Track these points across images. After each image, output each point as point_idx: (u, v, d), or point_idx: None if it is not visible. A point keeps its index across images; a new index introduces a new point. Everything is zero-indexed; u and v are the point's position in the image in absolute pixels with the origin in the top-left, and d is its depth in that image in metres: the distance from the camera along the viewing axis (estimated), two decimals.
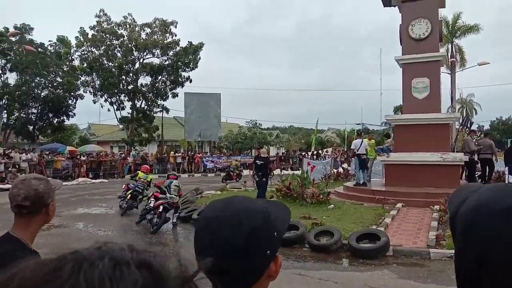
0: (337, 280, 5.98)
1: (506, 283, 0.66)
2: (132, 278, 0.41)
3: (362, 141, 13.61)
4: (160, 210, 9.55)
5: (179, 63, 33.75)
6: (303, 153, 33.83)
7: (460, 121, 16.92)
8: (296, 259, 7.13)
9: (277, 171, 24.12)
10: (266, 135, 39.23)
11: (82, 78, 33.57)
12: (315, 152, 32.09)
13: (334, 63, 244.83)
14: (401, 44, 13.27)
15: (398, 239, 7.75)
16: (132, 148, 33.76)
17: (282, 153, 39.24)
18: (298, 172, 16.86)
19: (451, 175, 11.87)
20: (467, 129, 15.84)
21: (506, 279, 0.66)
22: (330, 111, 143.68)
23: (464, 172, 14.10)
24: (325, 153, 35.21)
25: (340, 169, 22.10)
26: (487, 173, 13.72)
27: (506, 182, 12.19)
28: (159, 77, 34.61)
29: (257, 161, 12.67)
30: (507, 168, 14.65)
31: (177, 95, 34.91)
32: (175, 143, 40.94)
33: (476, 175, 13.81)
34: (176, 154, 30.57)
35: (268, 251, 0.84)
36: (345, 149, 35.09)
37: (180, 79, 34.44)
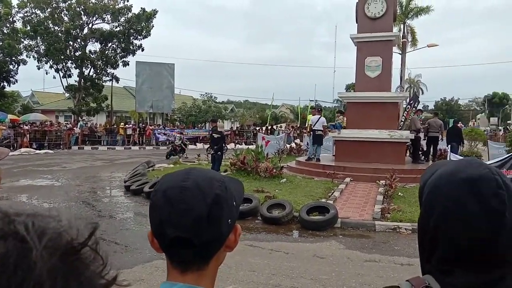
0: (288, 250, 6.15)
1: (457, 240, 0.78)
2: None
3: (320, 117, 13.85)
4: None
5: (131, 30, 32.27)
6: (258, 128, 34.01)
7: (408, 100, 17.65)
8: (248, 231, 7.24)
9: (231, 145, 24.12)
10: (221, 109, 38.84)
11: (25, 42, 31.20)
12: (269, 127, 32.36)
13: (290, 39, 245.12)
14: (356, 22, 13.46)
15: (346, 212, 8.08)
16: (80, 118, 32.27)
17: (237, 127, 39.23)
18: (253, 147, 16.97)
19: (397, 152, 12.48)
20: (414, 108, 16.58)
21: (457, 235, 0.78)
22: (285, 87, 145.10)
23: (409, 149, 14.83)
24: (279, 128, 35.64)
25: (293, 144, 22.49)
26: (431, 151, 14.57)
27: (448, 159, 13.00)
28: (109, 44, 32.97)
29: (213, 135, 12.58)
30: (449, 146, 15.60)
31: (128, 64, 33.55)
32: (125, 114, 39.58)
33: (420, 153, 14.56)
34: (126, 125, 29.59)
35: (229, 220, 0.82)
36: (298, 125, 35.65)
37: (131, 47, 33.03)
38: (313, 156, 13.57)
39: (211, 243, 0.80)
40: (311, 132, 13.87)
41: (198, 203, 0.78)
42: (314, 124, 13.55)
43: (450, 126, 18.18)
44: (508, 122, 53.02)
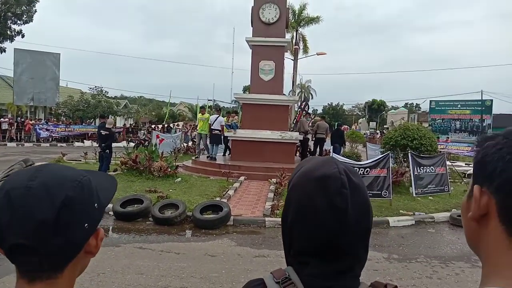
0: (179, 251, 6.07)
1: (308, 233, 0.84)
2: None
3: (218, 116, 13.90)
4: None
5: (8, 13, 28.73)
6: (153, 126, 32.92)
7: (299, 104, 18.75)
8: (138, 233, 6.97)
9: (123, 143, 22.98)
10: (113, 104, 36.62)
11: None
12: (165, 125, 31.56)
13: (189, 38, 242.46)
14: (252, 26, 13.86)
15: (239, 209, 8.26)
16: None
17: (130, 124, 37.47)
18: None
19: (287, 151, 13.16)
20: (305, 111, 17.68)
21: (308, 229, 0.84)
22: (183, 85, 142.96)
23: (298, 150, 15.75)
24: (176, 126, 34.98)
25: (190, 143, 22.28)
26: (318, 151, 15.66)
27: None
28: None
29: (101, 131, 11.83)
30: (331, 147, 16.95)
31: (5, 51, 29.86)
32: (0, 107, 35.16)
33: (307, 153, 15.55)
34: (2, 119, 26.28)
35: (86, 224, 0.75)
36: (196, 124, 35.40)
37: (9, 32, 29.45)
38: (214, 155, 13.60)
39: (62, 250, 0.73)
40: (210, 132, 13.88)
41: (43, 206, 0.70)
42: (213, 123, 13.60)
43: (334, 129, 19.73)
44: (384, 126, 59.49)
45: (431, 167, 10.48)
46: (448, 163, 11.88)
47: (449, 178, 11.21)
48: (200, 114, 15.50)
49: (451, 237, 7.58)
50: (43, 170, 0.75)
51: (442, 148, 19.85)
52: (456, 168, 14.25)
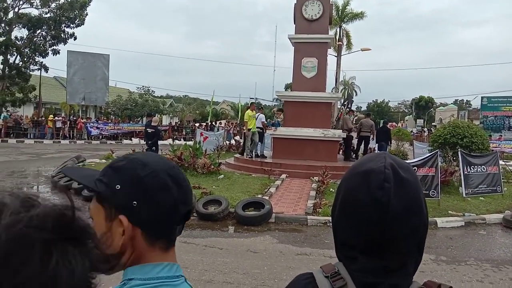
0: (222, 246, 6.19)
1: (354, 227, 0.84)
2: None
3: (259, 114, 13.94)
4: None
5: (62, 17, 30.32)
6: (197, 124, 33.62)
7: (342, 101, 18.44)
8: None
9: (169, 141, 23.65)
10: (159, 103, 37.74)
11: None
12: (209, 124, 32.15)
13: (230, 37, 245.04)
14: (294, 23, 13.79)
15: (280, 207, 8.28)
16: (4, 109, 29.79)
17: (176, 122, 38.46)
18: (191, 143, 16.77)
19: (330, 149, 13.00)
20: (348, 109, 17.36)
21: (353, 223, 0.85)
22: (226, 84, 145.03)
23: (341, 147, 15.51)
24: (219, 125, 35.52)
25: (233, 141, 22.56)
26: (362, 149, 15.34)
27: None
28: (38, 31, 30.74)
29: (147, 129, 12.26)
30: (377, 145, 16.55)
31: (59, 53, 31.49)
32: (55, 106, 37.23)
33: (351, 151, 15.28)
34: (56, 118, 27.82)
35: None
36: (238, 122, 35.78)
37: (62, 35, 31.06)
38: (260, 153, 13.57)
39: None
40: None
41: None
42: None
43: (380, 126, 19.23)
44: (432, 124, 57.28)
45: (483, 166, 9.98)
46: (501, 162, 11.27)
47: (502, 178, 10.62)
48: (250, 110, 14.03)
49: (504, 240, 7.19)
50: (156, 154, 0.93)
51: (495, 147, 18.82)
52: (510, 168, 13.48)
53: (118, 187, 0.80)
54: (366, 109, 69.78)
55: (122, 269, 0.82)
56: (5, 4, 29.27)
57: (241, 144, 14.51)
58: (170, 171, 0.83)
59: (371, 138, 15.79)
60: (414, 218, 0.83)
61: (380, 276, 0.82)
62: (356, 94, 60.53)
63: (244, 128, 13.53)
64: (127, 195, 0.79)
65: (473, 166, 9.84)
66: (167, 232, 0.83)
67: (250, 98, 41.38)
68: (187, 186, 0.86)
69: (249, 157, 13.41)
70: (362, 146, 15.39)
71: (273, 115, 31.61)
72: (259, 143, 13.69)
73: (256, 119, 13.58)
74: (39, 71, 31.70)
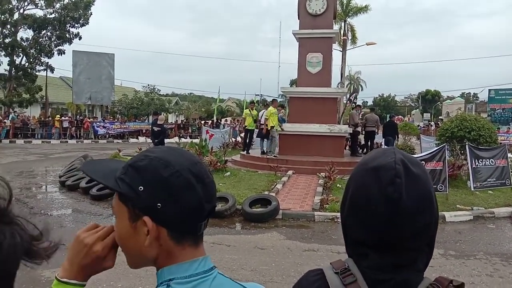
0: (229, 243, 6.20)
1: (364, 223, 0.83)
2: None
3: (264, 111, 13.87)
4: None
5: (67, 17, 30.47)
6: (203, 122, 33.68)
7: (348, 96, 18.36)
8: None
9: (175, 139, 23.73)
10: (165, 102, 37.83)
11: None
12: (215, 121, 32.17)
13: (235, 34, 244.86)
14: (299, 19, 13.73)
15: (287, 204, 8.27)
16: (11, 110, 30.04)
17: (181, 120, 38.54)
18: (197, 140, 16.80)
19: (336, 145, 12.95)
20: (354, 104, 17.28)
21: (363, 219, 0.83)
22: (231, 81, 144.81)
23: (348, 143, 15.45)
24: (225, 122, 35.56)
25: (239, 138, 22.55)
26: (369, 144, 15.28)
27: None
28: (43, 32, 30.92)
29: (153, 128, 12.30)
30: (383, 139, 16.46)
31: (64, 53, 31.71)
32: (62, 106, 37.48)
33: (357, 146, 15.22)
34: (63, 118, 28.01)
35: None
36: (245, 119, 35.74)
37: (67, 35, 31.24)
38: (268, 150, 13.52)
39: None
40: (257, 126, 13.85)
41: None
42: (260, 118, 13.62)
43: (386, 121, 19.12)
44: (439, 117, 56.88)
45: (491, 159, 9.89)
46: (509, 155, 11.17)
47: (511, 171, 10.53)
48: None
49: None
50: (179, 148, 0.91)
51: (503, 140, 18.66)
52: None
53: (141, 188, 0.78)
54: (372, 103, 69.38)
55: (149, 265, 0.83)
56: (11, 6, 29.45)
57: (246, 141, 14.36)
58: (193, 168, 0.81)
59: (376, 132, 15.71)
60: (425, 214, 0.81)
61: (390, 272, 0.81)
62: (362, 89, 60.20)
63: (265, 125, 13.09)
64: (151, 196, 0.77)
65: (481, 160, 9.76)
66: (192, 229, 0.82)
67: (256, 95, 41.38)
68: (211, 182, 0.84)
69: (274, 156, 12.80)
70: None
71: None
72: (265, 140, 13.65)
73: (262, 116, 13.48)
74: (45, 71, 31.95)
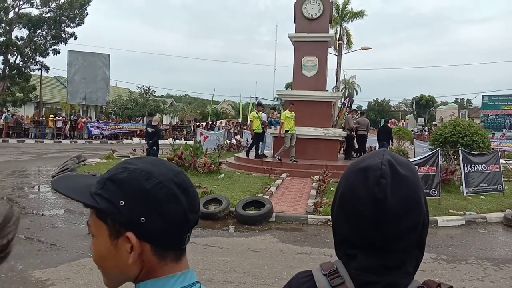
0: (222, 245, 6.18)
1: (352, 224, 0.84)
2: None
3: (264, 115, 13.85)
4: None
5: (62, 17, 30.35)
6: (197, 123, 33.64)
7: (343, 100, 18.43)
8: None
9: (169, 140, 23.68)
10: (160, 103, 37.75)
11: None
12: (210, 123, 32.14)
13: (231, 36, 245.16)
14: (295, 22, 13.77)
15: (281, 206, 8.27)
16: (4, 109, 29.84)
17: (176, 122, 38.46)
18: (191, 142, 16.77)
19: (330, 148, 12.99)
20: (348, 108, 17.35)
21: (351, 220, 0.84)
22: (226, 83, 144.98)
23: (342, 147, 15.49)
24: (220, 124, 35.55)
25: (233, 141, 22.56)
26: (363, 147, 15.34)
27: None
28: (38, 31, 30.76)
29: (148, 129, 12.26)
30: (378, 144, 16.53)
31: (59, 52, 31.56)
32: (55, 106, 37.28)
33: (352, 150, 15.27)
34: (56, 118, 27.83)
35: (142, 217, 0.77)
36: (240, 121, 35.80)
37: (63, 35, 31.11)
38: (260, 153, 13.38)
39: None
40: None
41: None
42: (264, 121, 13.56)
43: (381, 125, 19.20)
44: (433, 123, 57.20)
45: (483, 165, 9.97)
46: (502, 161, 11.25)
47: (503, 177, 10.61)
48: (255, 112, 13.53)
49: (505, 239, 7.18)
50: (159, 159, 0.86)
51: (496, 146, 18.81)
52: (511, 166, 13.46)
53: (122, 203, 0.74)
54: (367, 108, 69.71)
55: (130, 281, 0.79)
56: (5, 4, 29.29)
57: (255, 145, 13.76)
58: (176, 178, 0.77)
59: (366, 136, 15.72)
60: (412, 214, 0.81)
61: (378, 274, 0.81)
62: (357, 93, 60.60)
63: (280, 131, 12.44)
64: (133, 210, 0.73)
65: (473, 165, 9.83)
66: (177, 243, 0.78)
67: (251, 98, 41.33)
68: (194, 192, 0.80)
69: (294, 161, 12.31)
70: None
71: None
72: (261, 143, 13.59)
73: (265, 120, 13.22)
74: (40, 71, 31.79)
